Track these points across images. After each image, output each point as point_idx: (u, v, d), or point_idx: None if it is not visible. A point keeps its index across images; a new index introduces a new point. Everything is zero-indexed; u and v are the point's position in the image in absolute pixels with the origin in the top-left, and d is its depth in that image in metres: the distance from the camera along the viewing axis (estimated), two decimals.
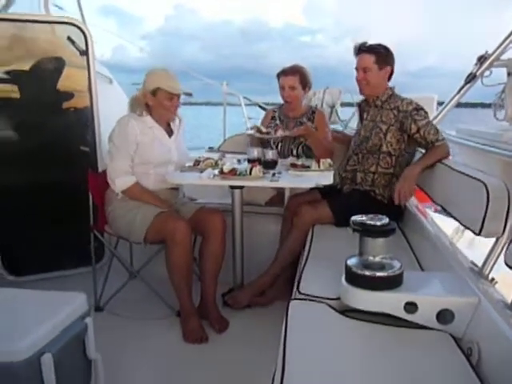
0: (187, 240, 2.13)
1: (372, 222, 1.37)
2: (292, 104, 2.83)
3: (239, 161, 2.66)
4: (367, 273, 1.36)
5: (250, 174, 2.09)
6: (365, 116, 2.57)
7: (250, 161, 2.44)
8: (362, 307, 1.37)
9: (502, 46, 2.83)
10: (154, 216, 2.19)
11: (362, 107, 2.67)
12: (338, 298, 1.47)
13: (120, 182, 2.26)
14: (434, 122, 3.03)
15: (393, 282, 1.36)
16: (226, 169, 2.11)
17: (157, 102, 2.32)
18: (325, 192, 2.51)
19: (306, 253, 1.93)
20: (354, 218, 1.42)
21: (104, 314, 2.40)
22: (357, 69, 2.49)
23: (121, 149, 2.27)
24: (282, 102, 2.98)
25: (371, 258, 1.38)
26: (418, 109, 2.35)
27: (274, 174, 2.17)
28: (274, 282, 2.46)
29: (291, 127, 2.87)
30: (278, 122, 2.94)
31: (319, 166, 2.29)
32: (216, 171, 2.16)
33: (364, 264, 1.38)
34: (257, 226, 2.71)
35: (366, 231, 1.37)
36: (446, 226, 2.25)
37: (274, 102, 3.03)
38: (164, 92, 2.27)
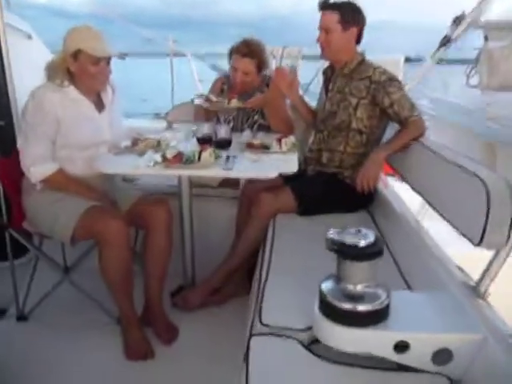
0: (123, 240, 1.77)
1: (353, 241, 1.07)
2: (242, 89, 2.43)
3: (186, 137, 2.29)
4: (347, 306, 1.07)
5: (199, 159, 1.73)
6: (330, 86, 2.23)
7: (199, 140, 2.07)
8: (340, 347, 1.09)
9: (480, 7, 2.54)
10: (81, 211, 1.80)
11: (326, 75, 2.32)
12: (309, 328, 1.19)
13: (37, 170, 1.83)
14: (406, 89, 2.79)
15: (379, 317, 1.08)
16: (169, 154, 1.73)
17: (80, 68, 1.86)
18: (286, 175, 2.19)
19: (266, 262, 1.62)
20: (330, 233, 1.11)
21: (29, 324, 2.02)
22: (319, 28, 2.13)
23: (36, 129, 1.82)
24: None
25: (351, 286, 1.09)
26: (392, 79, 2.05)
27: (228, 158, 1.81)
28: (230, 277, 2.16)
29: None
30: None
31: (281, 147, 1.95)
32: (158, 156, 1.77)
33: (343, 293, 1.09)
34: (209, 211, 2.37)
35: (346, 254, 1.07)
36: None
37: (224, 52, 2.60)
38: (87, 55, 1.82)
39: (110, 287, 1.82)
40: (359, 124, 2.12)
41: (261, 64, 2.39)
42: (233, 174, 1.68)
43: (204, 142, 2.06)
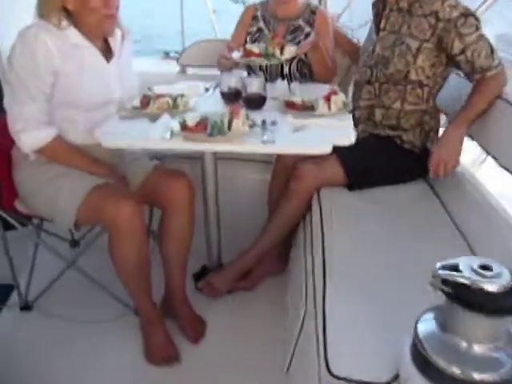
0: (137, 227, 1.44)
1: (478, 283, 0.72)
2: (286, 1, 1.97)
3: (207, 89, 1.88)
4: (457, 371, 0.74)
5: (230, 128, 1.34)
6: (382, 24, 1.76)
7: (224, 95, 1.67)
8: None
9: None
10: (85, 192, 1.46)
11: (377, 9, 1.84)
12: (395, 378, 0.88)
13: (29, 137, 1.47)
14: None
15: None
16: (190, 121, 1.35)
17: (80, 4, 1.44)
18: None
19: (318, 261, 1.29)
20: (438, 267, 0.76)
21: (33, 315, 1.76)
22: None
23: (28, 83, 1.43)
24: None
25: (465, 344, 0.75)
26: (468, 15, 1.58)
27: (264, 124, 1.42)
28: (262, 258, 1.85)
29: (282, 33, 2.05)
30: (261, 24, 2.09)
31: (330, 108, 1.54)
32: (175, 122, 1.39)
33: (452, 349, 0.76)
34: (237, 179, 2.03)
35: (468, 303, 0.73)
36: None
37: None
38: None
39: (125, 281, 1.53)
40: (420, 74, 1.68)
41: None
42: (275, 150, 1.31)
43: (231, 98, 1.67)
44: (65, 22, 1.47)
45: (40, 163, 1.54)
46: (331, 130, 1.40)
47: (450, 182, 1.67)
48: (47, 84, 1.46)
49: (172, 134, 1.34)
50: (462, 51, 1.58)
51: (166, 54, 3.34)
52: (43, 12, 1.47)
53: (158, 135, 1.33)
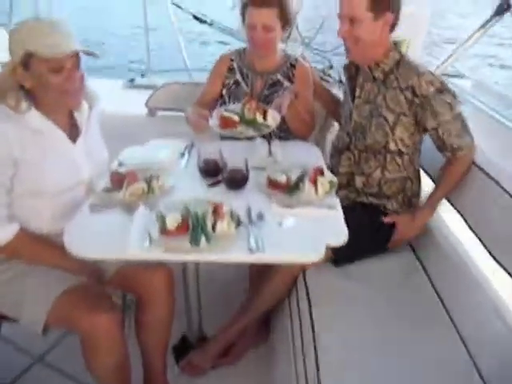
0: (116, 340, 1.32)
1: None
2: (264, 51, 1.87)
3: (182, 154, 1.76)
4: None
5: (213, 229, 1.24)
6: (357, 92, 1.71)
7: (202, 172, 1.57)
8: None
9: None
10: (56, 295, 1.32)
11: (349, 72, 1.79)
12: None
13: None
14: (444, 66, 2.26)
15: None
16: (170, 224, 1.24)
17: (37, 81, 1.30)
18: None
19: (310, 353, 1.28)
20: None
21: None
22: (340, 16, 1.58)
23: None
24: (242, 43, 2.01)
25: None
26: (443, 91, 1.55)
27: (250, 220, 1.32)
28: (244, 332, 1.77)
29: (258, 87, 1.96)
30: (238, 77, 1.98)
31: (317, 191, 1.46)
32: (154, 224, 1.26)
33: None
34: None
35: None
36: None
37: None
38: (41, 58, 1.26)
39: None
40: (399, 144, 1.65)
41: (284, 12, 1.83)
42: (264, 259, 1.21)
43: (210, 174, 1.56)
44: (24, 104, 1.32)
45: (1, 261, 1.39)
46: (321, 225, 1.32)
47: (436, 252, 1.65)
48: (6, 176, 1.31)
49: (151, 241, 1.22)
50: (435, 128, 1.57)
51: (131, 81, 3.17)
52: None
53: (136, 243, 1.21)
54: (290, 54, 2.00)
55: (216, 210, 1.28)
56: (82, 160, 1.47)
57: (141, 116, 2.42)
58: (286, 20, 1.83)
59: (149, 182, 1.45)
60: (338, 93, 2.19)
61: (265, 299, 1.66)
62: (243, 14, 1.85)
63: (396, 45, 1.65)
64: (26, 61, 1.28)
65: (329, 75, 3.41)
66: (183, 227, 1.24)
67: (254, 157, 1.73)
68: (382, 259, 1.69)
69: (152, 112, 2.40)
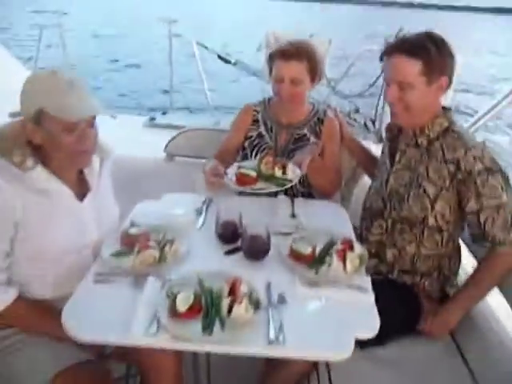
0: None
1: None
2: (292, 105, 1.76)
3: (199, 212, 1.64)
4: None
5: (229, 313, 1.11)
6: (397, 156, 1.56)
7: (220, 237, 1.44)
8: None
9: None
10: (52, 374, 1.19)
11: (391, 133, 1.66)
12: None
13: None
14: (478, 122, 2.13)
15: None
16: (181, 305, 1.10)
17: (48, 138, 1.22)
18: None
19: None
20: None
21: None
22: (387, 80, 1.45)
23: None
24: (268, 93, 1.91)
25: None
26: (493, 170, 1.37)
27: (270, 304, 1.18)
28: None
29: (283, 141, 1.85)
30: (262, 129, 1.87)
31: (345, 267, 1.31)
32: (162, 303, 1.13)
33: None
34: None
35: None
36: None
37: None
38: (54, 118, 1.17)
39: None
40: (439, 220, 1.49)
41: (313, 66, 1.73)
42: (285, 353, 1.06)
43: (228, 241, 1.43)
44: (30, 161, 1.23)
45: None
46: (350, 311, 1.17)
47: (477, 340, 1.46)
48: (5, 240, 1.21)
49: (158, 324, 1.08)
50: (476, 212, 1.39)
51: (152, 120, 3.11)
52: (4, 148, 1.22)
53: (141, 326, 1.08)
54: (318, 108, 1.89)
55: (233, 289, 1.15)
56: (91, 220, 1.37)
57: (159, 160, 2.33)
58: (315, 73, 1.73)
59: (161, 247, 1.33)
60: (366, 143, 2.07)
61: None
62: (270, 66, 1.76)
63: (445, 110, 1.52)
64: (38, 117, 1.20)
65: (354, 119, 3.32)
66: (195, 309, 1.11)
67: (275, 219, 1.60)
68: (413, 342, 1.51)
69: (171, 157, 2.32)
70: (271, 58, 1.74)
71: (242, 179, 1.62)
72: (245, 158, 1.89)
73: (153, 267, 1.28)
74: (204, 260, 1.37)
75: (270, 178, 1.62)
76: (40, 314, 1.28)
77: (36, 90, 1.21)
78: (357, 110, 3.43)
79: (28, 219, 1.22)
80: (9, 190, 1.18)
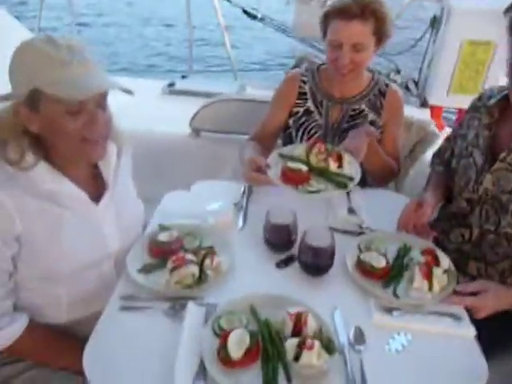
0: None
1: None
2: (350, 76, 1.44)
3: (239, 206, 1.37)
4: None
5: (297, 359, 0.86)
6: (503, 153, 1.21)
7: (270, 245, 1.17)
8: None
9: None
10: None
11: (491, 119, 1.28)
12: None
13: None
14: None
15: None
16: (234, 351, 0.85)
17: (48, 125, 0.95)
18: None
19: None
20: None
21: None
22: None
23: None
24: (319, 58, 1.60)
25: None
26: None
27: (349, 346, 0.93)
28: None
29: (335, 118, 1.54)
30: (310, 104, 1.56)
31: (431, 287, 1.04)
32: (209, 342, 0.90)
33: None
34: None
35: None
36: None
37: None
38: (52, 99, 0.91)
39: None
40: None
41: (381, 29, 1.40)
42: None
43: (280, 249, 1.17)
44: (30, 157, 0.96)
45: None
46: (447, 352, 0.92)
47: None
48: (5, 258, 0.96)
49: (205, 376, 0.84)
50: None
51: (171, 86, 2.79)
52: None
53: (184, 379, 0.84)
54: (378, 78, 1.56)
55: (298, 326, 0.90)
56: (110, 225, 1.11)
57: (183, 136, 2.04)
58: (382, 35, 1.40)
59: (201, 261, 1.08)
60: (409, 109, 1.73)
61: None
62: (324, 28, 1.42)
63: None
64: (33, 100, 0.92)
65: (394, 81, 2.94)
66: (252, 354, 0.87)
67: (330, 215, 1.34)
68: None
69: (196, 133, 2.03)
70: (326, 18, 1.40)
71: (290, 176, 1.29)
72: (288, 139, 1.60)
73: (191, 289, 1.03)
74: (251, 275, 1.11)
75: (324, 174, 1.31)
76: (56, 346, 1.06)
77: (28, 63, 0.92)
78: (398, 71, 3.06)
79: (31, 232, 0.97)
80: (4, 198, 0.92)
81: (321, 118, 1.54)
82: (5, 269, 0.97)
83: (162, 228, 1.19)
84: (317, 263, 1.08)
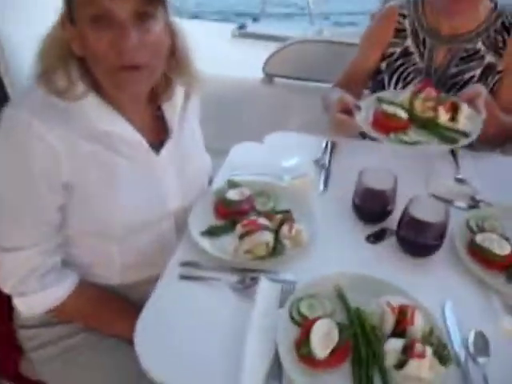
0: None
1: None
2: (464, 5, 1.13)
3: (320, 164, 1.16)
4: None
5: (400, 367, 0.66)
6: None
7: (360, 213, 0.96)
8: None
9: None
10: None
11: None
12: None
13: (29, 301, 0.87)
14: None
15: None
16: (319, 349, 0.67)
17: (82, 42, 0.77)
18: None
19: None
20: None
21: None
22: None
23: (19, 213, 0.83)
24: None
25: None
26: None
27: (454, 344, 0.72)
28: None
29: (440, 61, 1.26)
30: (409, 42, 1.28)
31: None
32: (280, 305, 0.72)
33: None
34: None
35: None
36: None
37: None
38: (81, 3, 0.74)
39: None
40: None
41: None
42: None
43: (374, 219, 0.96)
44: (80, 86, 0.79)
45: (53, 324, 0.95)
46: None
47: None
48: (51, 209, 0.82)
49: (280, 377, 0.67)
50: None
51: (241, 28, 2.55)
52: (45, 68, 0.79)
53: (252, 377, 0.67)
54: (503, 9, 1.23)
55: (402, 324, 0.70)
56: (171, 179, 0.94)
57: (255, 81, 1.82)
58: None
59: (277, 228, 0.89)
60: None
61: None
62: None
63: None
64: (69, 4, 0.75)
65: None
66: (341, 352, 0.68)
67: (431, 181, 1.09)
68: None
69: (270, 78, 1.80)
70: None
71: (383, 122, 1.06)
72: (380, 87, 1.33)
73: (264, 261, 0.85)
74: (336, 249, 0.91)
75: (429, 125, 1.06)
76: (107, 310, 0.94)
77: None
78: None
79: (82, 179, 0.82)
80: (52, 137, 0.77)
81: (422, 60, 1.26)
82: (51, 221, 0.84)
83: (231, 184, 1.01)
84: (423, 242, 0.85)
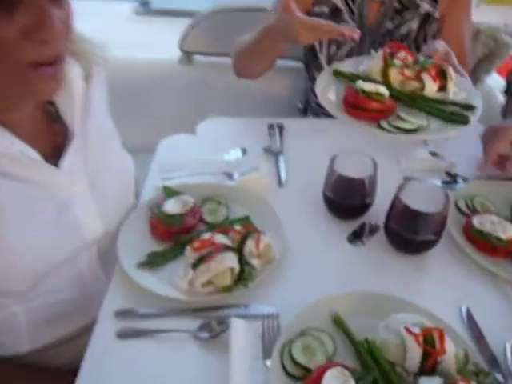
0: None
1: None
2: None
3: (273, 152, 0.96)
4: None
5: None
6: None
7: (337, 210, 0.78)
8: None
9: None
10: None
11: None
12: None
13: None
14: None
15: None
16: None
17: None
18: None
19: None
20: None
21: None
22: None
23: None
24: None
25: None
26: None
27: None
28: None
29: (372, 17, 1.13)
30: (337, 1, 1.10)
31: None
32: (264, 359, 0.52)
33: None
34: None
35: None
36: None
37: None
38: None
39: None
40: None
41: None
42: None
43: (350, 215, 0.78)
44: None
45: None
46: None
47: None
48: None
49: None
50: None
51: (144, 4, 2.24)
52: None
53: None
54: None
55: (432, 357, 0.53)
56: (82, 198, 0.68)
57: (171, 62, 1.55)
58: None
59: (238, 246, 0.67)
60: None
61: None
62: None
63: None
64: None
65: None
66: None
67: (401, 158, 0.94)
68: None
69: (188, 57, 1.54)
70: None
71: (363, 104, 0.80)
72: (311, 57, 1.16)
73: (232, 292, 0.64)
74: (315, 260, 0.72)
75: (417, 101, 0.84)
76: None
77: None
78: None
79: None
80: None
81: (353, 18, 1.09)
82: None
83: (168, 192, 0.77)
84: (420, 236, 0.69)
